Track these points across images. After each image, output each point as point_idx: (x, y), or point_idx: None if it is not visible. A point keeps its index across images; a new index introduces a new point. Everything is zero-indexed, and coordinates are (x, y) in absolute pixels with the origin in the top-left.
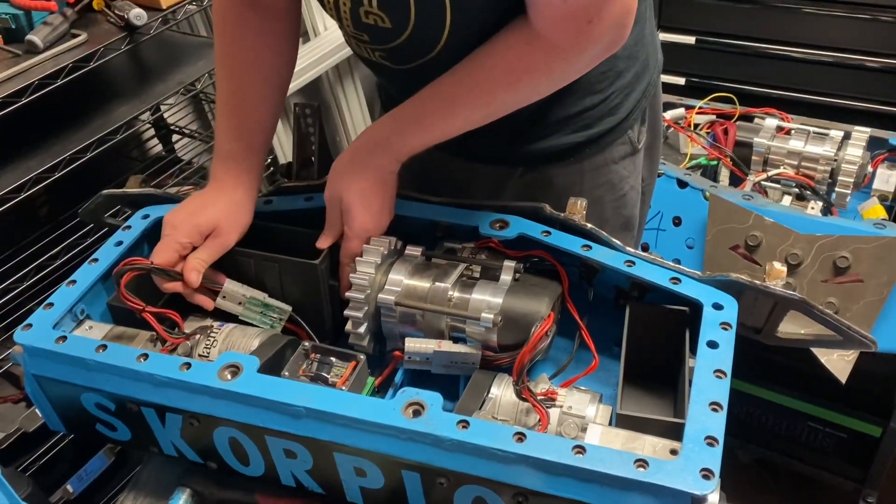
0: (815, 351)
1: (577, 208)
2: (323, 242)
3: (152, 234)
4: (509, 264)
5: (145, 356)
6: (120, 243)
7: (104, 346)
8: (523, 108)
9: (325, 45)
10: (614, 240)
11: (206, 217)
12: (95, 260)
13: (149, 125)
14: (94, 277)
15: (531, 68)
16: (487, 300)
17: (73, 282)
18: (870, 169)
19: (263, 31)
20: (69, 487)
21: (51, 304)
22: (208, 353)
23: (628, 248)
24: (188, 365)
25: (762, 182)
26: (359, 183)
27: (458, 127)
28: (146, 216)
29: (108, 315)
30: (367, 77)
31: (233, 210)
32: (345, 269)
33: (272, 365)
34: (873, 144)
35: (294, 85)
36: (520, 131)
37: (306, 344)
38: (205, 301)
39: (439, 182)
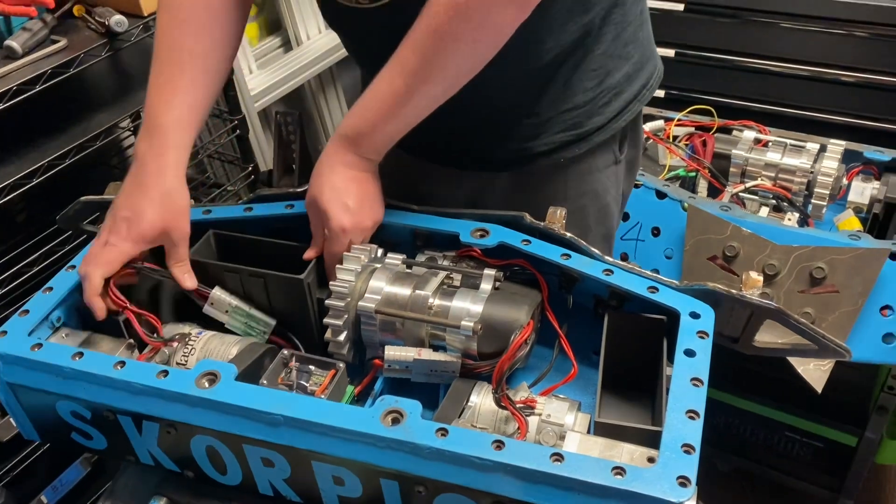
0: (792, 360)
1: (557, 217)
2: (310, 254)
3: None
4: (489, 273)
5: (122, 363)
6: None
7: (80, 354)
8: (512, 106)
9: (307, 54)
10: (593, 249)
11: (148, 224)
12: (73, 267)
13: (129, 132)
14: (71, 285)
15: (451, 32)
16: (467, 308)
17: (50, 289)
18: (845, 181)
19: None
20: (43, 498)
21: (26, 311)
22: (186, 361)
23: (607, 258)
24: (165, 372)
25: (740, 193)
26: (331, 182)
27: (423, 106)
28: None
29: (83, 321)
30: (350, 86)
31: (169, 203)
32: (330, 272)
33: (251, 373)
34: (848, 157)
35: (276, 94)
36: (508, 131)
37: (285, 352)
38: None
39: (424, 191)
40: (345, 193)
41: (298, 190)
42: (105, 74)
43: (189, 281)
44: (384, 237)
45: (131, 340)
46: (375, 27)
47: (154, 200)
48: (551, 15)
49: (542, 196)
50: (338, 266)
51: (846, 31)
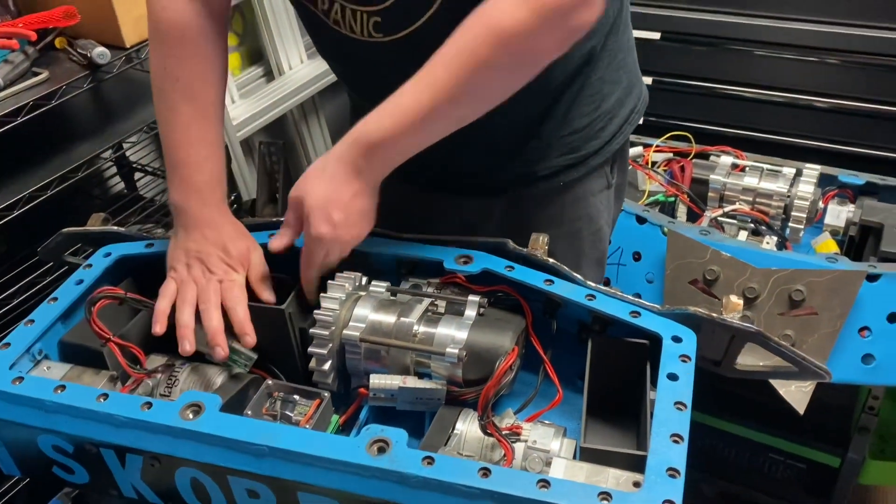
0: (774, 383)
1: (540, 244)
2: (276, 243)
3: (114, 273)
4: (473, 299)
5: (105, 396)
6: (80, 282)
7: (63, 387)
8: (516, 131)
9: (290, 83)
10: (576, 274)
11: (241, 251)
12: (55, 299)
13: (111, 163)
14: (54, 317)
15: (490, 60)
16: (452, 335)
17: (32, 321)
18: (821, 205)
19: (209, 43)
20: None
21: (7, 344)
22: (170, 393)
23: (589, 283)
24: (149, 404)
25: (718, 218)
26: (325, 187)
27: (446, 127)
28: (108, 254)
29: (65, 353)
30: (333, 115)
31: (241, 229)
32: (303, 273)
33: (235, 404)
34: (824, 181)
35: (259, 123)
36: (509, 156)
37: (269, 382)
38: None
39: (419, 220)
40: (335, 204)
41: (282, 219)
42: (87, 105)
43: (271, 296)
44: (368, 265)
45: (114, 373)
46: (386, 58)
47: (229, 231)
48: None
49: (538, 221)
50: (322, 295)
51: (818, 58)
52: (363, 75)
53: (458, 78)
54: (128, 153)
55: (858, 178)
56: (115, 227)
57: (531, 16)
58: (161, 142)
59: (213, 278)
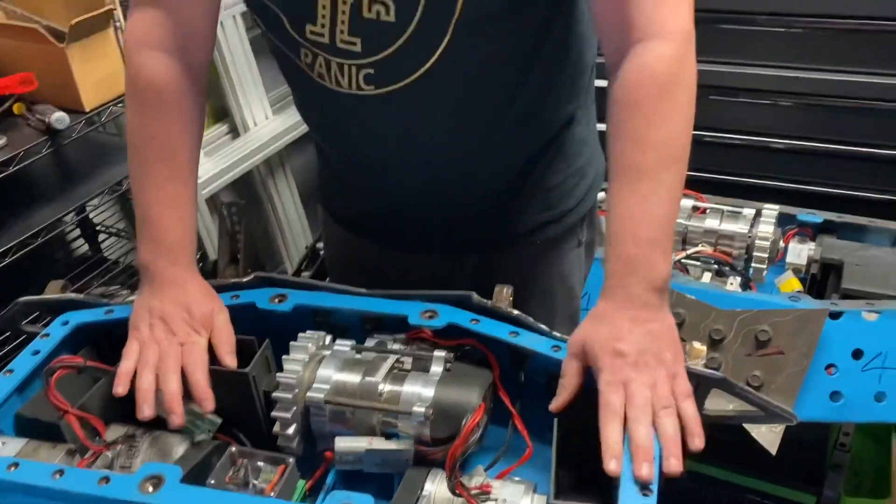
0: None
1: (504, 296)
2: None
3: (72, 341)
4: (439, 354)
5: (61, 472)
6: (37, 352)
7: (16, 464)
8: (499, 190)
9: (255, 140)
10: (542, 325)
11: (205, 312)
12: (10, 371)
13: (73, 226)
14: (9, 390)
15: (679, 88)
16: (419, 393)
17: None
18: (782, 244)
19: (186, 102)
20: None
21: None
22: (130, 465)
23: (555, 333)
24: (107, 479)
25: (682, 260)
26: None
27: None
28: (66, 323)
29: (21, 427)
30: (300, 169)
31: (207, 290)
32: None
33: (198, 473)
34: (783, 220)
35: (224, 180)
36: (491, 215)
37: (233, 449)
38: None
39: (389, 277)
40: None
41: (243, 280)
42: (48, 169)
43: (233, 361)
44: (332, 323)
45: (72, 446)
46: (372, 112)
47: (195, 292)
48: (549, 104)
49: (510, 279)
50: (284, 357)
51: (771, 100)
52: (342, 128)
53: (679, 158)
54: (91, 215)
55: (816, 216)
56: (73, 295)
57: (680, 46)
58: (133, 198)
59: (174, 340)
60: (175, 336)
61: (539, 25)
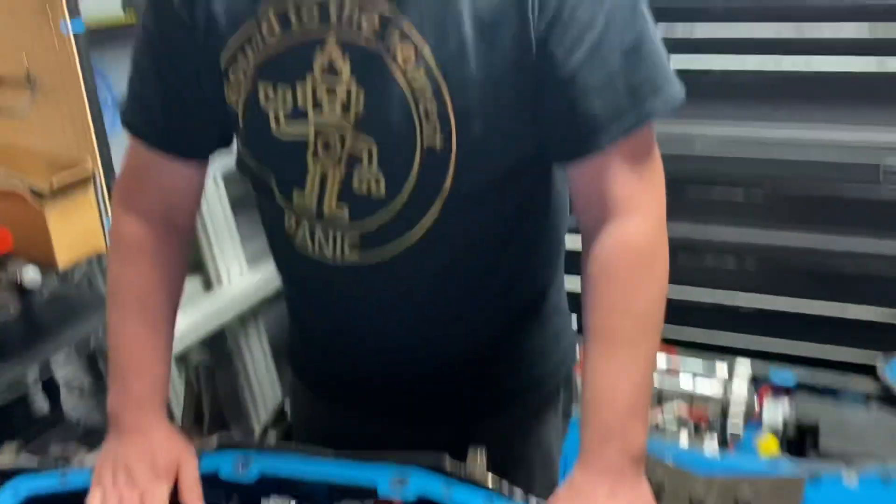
0: None
1: (478, 461)
2: None
3: None
4: None
5: None
6: None
7: None
8: (475, 357)
9: (227, 295)
10: (516, 488)
11: (169, 461)
12: None
13: (40, 382)
14: None
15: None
16: None
17: None
18: (756, 407)
19: (167, 258)
20: None
21: None
22: None
23: (531, 499)
24: None
25: (657, 422)
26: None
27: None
28: (16, 491)
29: None
30: (274, 325)
31: (174, 438)
32: None
33: None
34: (756, 378)
35: (196, 336)
36: (463, 381)
37: None
38: None
39: (360, 446)
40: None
41: (210, 442)
42: (13, 327)
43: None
44: (298, 490)
45: None
46: (355, 282)
47: (160, 440)
48: (528, 274)
49: (488, 447)
50: None
51: (737, 256)
52: (321, 294)
53: (656, 328)
54: (55, 370)
55: (789, 376)
56: (27, 460)
57: (656, 221)
58: (108, 345)
59: (135, 491)
60: (136, 486)
61: (522, 198)
